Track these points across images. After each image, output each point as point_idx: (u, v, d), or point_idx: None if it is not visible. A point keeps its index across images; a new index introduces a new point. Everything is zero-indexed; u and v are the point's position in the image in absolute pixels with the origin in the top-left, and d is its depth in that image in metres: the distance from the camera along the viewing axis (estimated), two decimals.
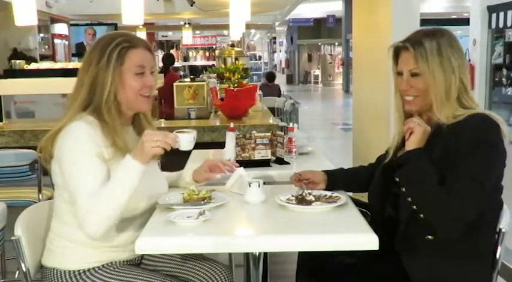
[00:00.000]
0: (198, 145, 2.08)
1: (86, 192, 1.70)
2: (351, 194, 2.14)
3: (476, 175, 1.67)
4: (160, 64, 8.56)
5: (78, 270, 1.81)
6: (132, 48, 1.86)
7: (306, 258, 2.03)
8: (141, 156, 1.71)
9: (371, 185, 2.01)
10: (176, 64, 13.55)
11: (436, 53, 1.81)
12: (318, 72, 29.39)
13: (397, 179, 1.80)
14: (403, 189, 1.78)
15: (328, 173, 2.14)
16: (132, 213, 1.83)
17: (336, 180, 2.12)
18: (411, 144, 1.77)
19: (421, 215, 1.72)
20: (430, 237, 1.74)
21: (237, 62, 6.02)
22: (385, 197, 1.90)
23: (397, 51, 1.91)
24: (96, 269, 1.82)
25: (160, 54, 12.34)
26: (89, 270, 1.81)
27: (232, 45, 8.86)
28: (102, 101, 1.82)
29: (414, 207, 1.74)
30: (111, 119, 1.81)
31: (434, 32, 1.86)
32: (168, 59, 8.47)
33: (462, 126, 1.74)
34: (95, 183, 1.71)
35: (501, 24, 9.25)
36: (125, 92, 1.85)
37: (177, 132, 1.81)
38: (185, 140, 1.80)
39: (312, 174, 2.12)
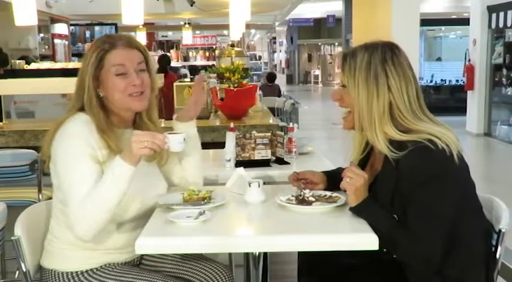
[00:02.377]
0: None
1: (78, 196, 1.70)
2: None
3: (432, 211, 1.62)
4: (157, 65, 8.54)
5: (76, 272, 1.81)
6: (111, 49, 1.84)
7: (306, 258, 2.03)
8: (129, 158, 1.69)
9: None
10: (176, 64, 13.56)
11: (364, 68, 1.74)
12: (318, 72, 29.37)
13: None
14: None
15: (327, 174, 2.13)
16: (126, 215, 1.83)
17: (336, 181, 2.11)
18: (351, 202, 1.75)
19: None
20: None
21: (237, 62, 6.01)
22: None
23: None
24: (95, 270, 1.82)
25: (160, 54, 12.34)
26: (87, 271, 1.81)
27: (232, 45, 8.86)
28: (85, 103, 1.83)
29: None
30: (97, 120, 1.81)
31: (375, 45, 1.79)
32: (164, 60, 8.46)
33: (405, 166, 1.66)
34: (88, 187, 1.71)
35: (501, 24, 9.26)
36: (112, 93, 1.84)
37: (168, 133, 1.80)
38: (175, 141, 1.78)
39: (312, 175, 2.10)
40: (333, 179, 2.10)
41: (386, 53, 1.76)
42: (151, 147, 1.69)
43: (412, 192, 1.64)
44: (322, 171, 2.14)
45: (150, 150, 1.70)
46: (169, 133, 1.81)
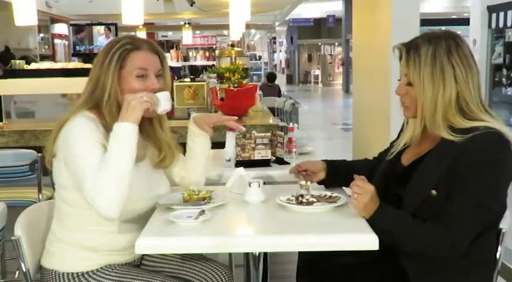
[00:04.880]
0: None
1: (91, 176, 1.67)
2: (350, 193, 2.14)
3: (483, 200, 1.62)
4: None
5: (77, 273, 1.81)
6: (135, 50, 1.84)
7: (306, 258, 2.03)
8: (130, 115, 1.71)
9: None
10: (176, 64, 13.56)
11: (429, 61, 1.70)
12: (318, 72, 29.39)
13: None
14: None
15: (328, 162, 2.13)
16: (131, 215, 1.82)
17: (336, 169, 2.11)
18: (365, 216, 1.72)
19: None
20: None
21: (237, 62, 6.01)
22: (386, 200, 1.84)
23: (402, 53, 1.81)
24: (95, 271, 1.82)
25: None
26: (87, 272, 1.81)
27: (232, 45, 8.85)
28: (103, 102, 1.82)
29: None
30: (112, 120, 1.80)
31: (438, 37, 1.74)
32: None
33: (470, 148, 1.64)
34: (94, 167, 1.69)
35: (501, 24, 9.26)
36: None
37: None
38: (164, 98, 1.84)
39: (310, 164, 2.12)
40: (334, 166, 2.12)
41: (451, 45, 1.72)
42: (150, 102, 1.75)
43: (467, 173, 1.62)
44: (323, 160, 2.14)
45: (151, 105, 1.76)
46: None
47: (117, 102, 1.83)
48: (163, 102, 1.84)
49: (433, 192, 1.68)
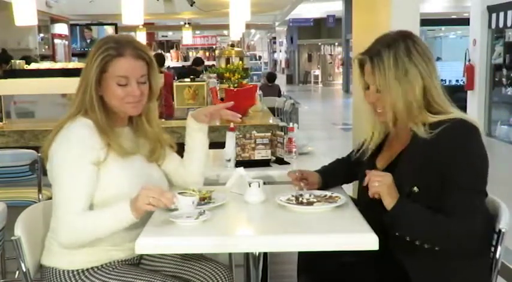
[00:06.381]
0: None
1: (67, 206, 1.73)
2: (350, 193, 2.14)
3: (476, 185, 1.67)
4: None
5: (77, 270, 1.82)
6: (118, 56, 1.83)
7: (306, 258, 2.03)
8: (136, 210, 1.70)
9: (360, 195, 2.00)
10: (176, 64, 13.57)
11: (392, 65, 1.75)
12: (318, 72, 29.37)
13: (397, 234, 1.75)
14: (408, 238, 1.73)
15: (322, 175, 2.15)
16: None
17: (328, 180, 2.15)
18: (388, 204, 1.69)
19: (436, 248, 1.71)
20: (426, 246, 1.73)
21: (239, 62, 6.02)
22: (372, 206, 1.82)
23: (362, 63, 1.86)
24: (95, 269, 1.82)
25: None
26: (87, 270, 1.82)
27: (232, 45, 8.86)
28: (87, 105, 1.84)
29: (425, 246, 1.72)
30: (96, 119, 1.82)
31: (395, 40, 1.79)
32: (158, 60, 8.41)
33: (443, 138, 1.69)
34: (79, 199, 1.73)
35: (501, 24, 9.26)
36: (110, 98, 1.86)
37: (179, 193, 1.79)
38: (184, 203, 1.75)
39: (312, 176, 2.13)
40: (326, 178, 2.14)
41: (409, 44, 1.78)
42: (155, 205, 1.68)
43: (452, 166, 1.66)
44: (319, 172, 2.16)
45: (154, 207, 1.70)
46: (180, 193, 1.79)
47: (94, 103, 1.83)
48: (182, 206, 1.74)
49: (415, 189, 1.72)
